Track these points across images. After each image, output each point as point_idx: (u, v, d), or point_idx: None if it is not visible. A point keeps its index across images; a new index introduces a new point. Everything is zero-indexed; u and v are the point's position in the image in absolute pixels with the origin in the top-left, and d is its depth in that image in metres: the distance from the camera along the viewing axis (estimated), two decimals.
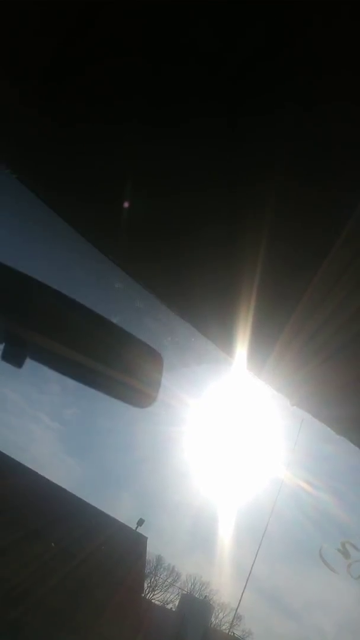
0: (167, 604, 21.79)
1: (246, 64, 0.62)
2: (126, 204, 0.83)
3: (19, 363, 0.91)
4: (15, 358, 0.90)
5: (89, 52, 0.66)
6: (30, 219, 0.97)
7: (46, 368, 0.94)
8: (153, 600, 20.97)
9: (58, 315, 0.92)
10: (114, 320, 0.95)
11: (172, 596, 22.82)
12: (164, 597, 22.91)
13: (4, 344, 0.90)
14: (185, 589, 23.49)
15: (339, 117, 0.64)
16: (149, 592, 21.77)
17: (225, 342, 0.95)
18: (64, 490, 14.22)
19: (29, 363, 0.92)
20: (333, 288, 0.84)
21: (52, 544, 11.26)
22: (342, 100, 0.62)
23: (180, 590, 22.95)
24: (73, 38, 0.63)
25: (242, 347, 0.93)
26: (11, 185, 0.91)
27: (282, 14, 0.56)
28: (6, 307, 0.89)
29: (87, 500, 14.33)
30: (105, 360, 0.95)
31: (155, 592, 22.97)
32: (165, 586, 23.43)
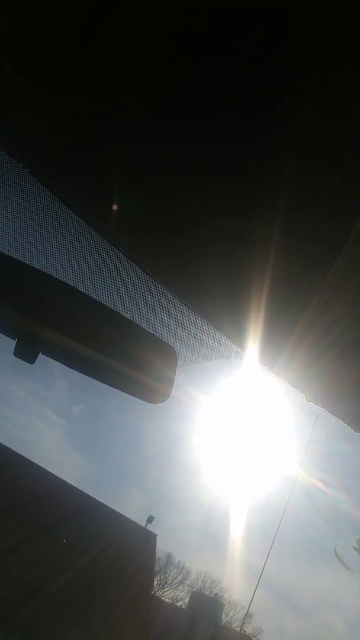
0: (177, 601, 21.87)
1: (259, 53, 0.61)
2: (138, 198, 0.82)
3: (31, 359, 0.91)
4: (27, 354, 0.91)
5: (98, 47, 0.66)
6: (42, 215, 0.97)
7: (52, 365, 0.93)
8: (163, 598, 21.03)
9: (70, 310, 0.92)
10: (126, 315, 0.95)
11: (182, 594, 22.90)
12: (174, 594, 23.00)
13: (16, 340, 0.90)
14: (196, 587, 23.53)
15: (357, 106, 0.63)
16: (158, 590, 21.85)
17: (238, 334, 0.94)
18: (74, 488, 14.35)
19: (37, 359, 0.92)
20: (347, 282, 0.83)
21: (63, 540, 11.35)
22: None
23: (190, 588, 22.99)
24: (86, 30, 0.63)
25: (254, 340, 0.92)
26: (24, 181, 0.92)
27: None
28: (18, 302, 0.90)
29: (96, 498, 14.43)
30: (118, 355, 0.94)
31: (165, 590, 23.06)
32: (175, 584, 23.51)
